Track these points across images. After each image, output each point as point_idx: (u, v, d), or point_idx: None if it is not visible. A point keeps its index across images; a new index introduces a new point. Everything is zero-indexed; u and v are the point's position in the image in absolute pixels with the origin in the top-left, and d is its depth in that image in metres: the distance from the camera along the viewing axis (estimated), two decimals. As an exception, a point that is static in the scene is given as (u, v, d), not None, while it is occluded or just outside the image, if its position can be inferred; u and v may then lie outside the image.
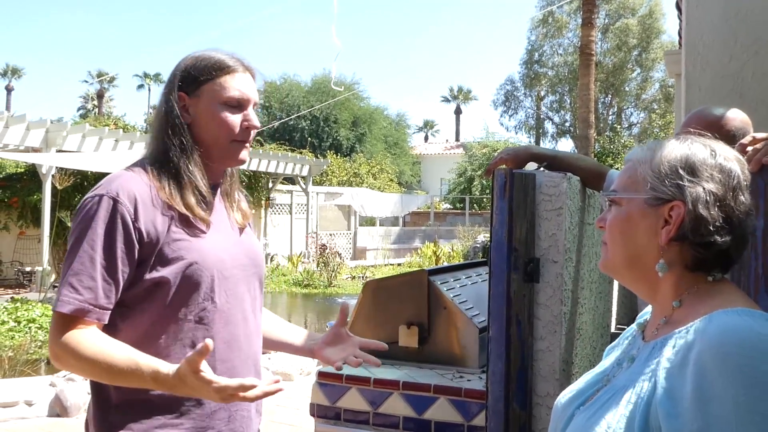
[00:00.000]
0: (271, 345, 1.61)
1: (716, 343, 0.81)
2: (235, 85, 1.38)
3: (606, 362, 1.07)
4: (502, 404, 1.64)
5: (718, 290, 0.93)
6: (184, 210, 1.31)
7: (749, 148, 1.32)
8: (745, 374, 0.78)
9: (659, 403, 0.83)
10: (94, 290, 1.24)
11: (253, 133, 1.42)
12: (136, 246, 1.27)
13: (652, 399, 0.85)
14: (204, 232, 1.33)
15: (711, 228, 0.90)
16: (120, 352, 1.22)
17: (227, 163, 1.43)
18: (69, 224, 11.99)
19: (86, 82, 48.34)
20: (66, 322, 1.23)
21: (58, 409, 4.77)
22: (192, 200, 1.34)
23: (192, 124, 1.37)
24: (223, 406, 1.35)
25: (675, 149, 0.95)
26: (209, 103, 1.37)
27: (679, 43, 4.78)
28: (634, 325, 1.08)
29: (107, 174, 1.37)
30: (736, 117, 1.62)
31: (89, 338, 1.23)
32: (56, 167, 11.27)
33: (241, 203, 1.51)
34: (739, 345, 0.80)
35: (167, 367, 1.20)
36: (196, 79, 1.37)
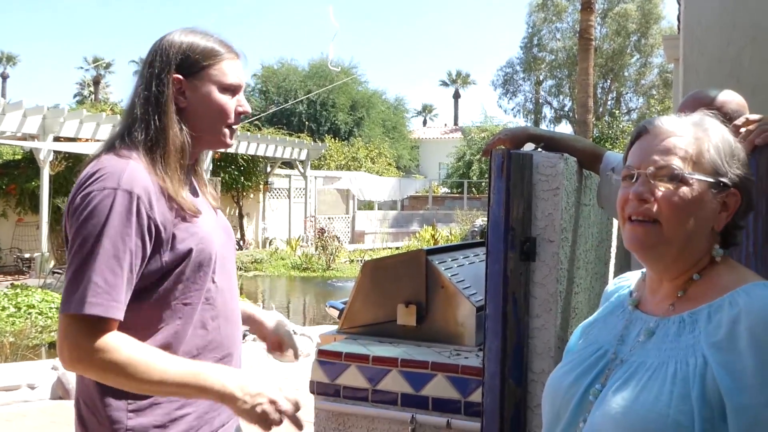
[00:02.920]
0: None
1: (765, 315, 0.85)
2: (234, 70, 1.39)
3: (594, 338, 1.07)
4: (498, 380, 1.67)
5: (729, 265, 0.97)
6: (180, 199, 1.29)
7: (742, 129, 1.35)
8: None
9: (719, 379, 0.85)
10: (119, 289, 1.19)
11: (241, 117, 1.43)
12: (152, 239, 1.25)
13: (704, 375, 0.86)
14: (196, 217, 1.33)
15: (746, 213, 0.97)
16: (175, 357, 1.23)
17: (215, 146, 1.43)
18: (67, 210, 12.02)
19: (82, 68, 47.88)
20: (95, 323, 1.17)
21: (61, 391, 4.82)
22: (184, 188, 1.34)
23: (185, 108, 1.35)
24: None
25: (723, 131, 0.98)
26: (210, 88, 1.36)
27: (678, 28, 4.78)
28: (613, 299, 1.10)
29: None
30: (733, 99, 1.63)
31: (132, 342, 1.19)
32: (53, 154, 11.25)
33: (208, 185, 1.52)
34: None
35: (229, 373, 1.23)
36: (196, 62, 1.35)
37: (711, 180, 0.94)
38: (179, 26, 1.40)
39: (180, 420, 1.30)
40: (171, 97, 1.32)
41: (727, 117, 1.57)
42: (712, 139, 0.96)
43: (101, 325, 1.17)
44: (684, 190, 0.94)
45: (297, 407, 1.24)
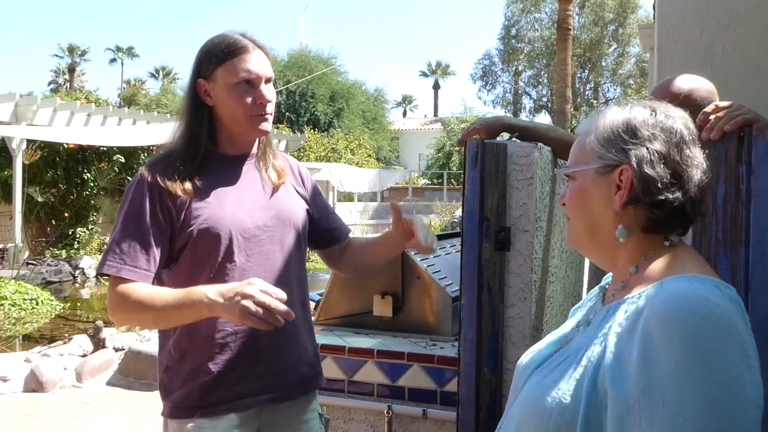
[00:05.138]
0: (367, 268, 1.86)
1: (662, 309, 0.83)
2: (245, 65, 1.49)
3: (568, 324, 1.09)
4: (473, 370, 1.68)
5: (673, 255, 0.94)
6: (186, 188, 1.47)
7: (712, 117, 1.35)
8: (687, 340, 0.79)
9: (607, 367, 0.85)
10: (133, 255, 1.44)
11: (269, 106, 1.54)
12: (167, 218, 1.46)
13: (601, 362, 0.86)
14: (216, 200, 1.49)
15: (659, 186, 0.91)
16: (170, 289, 1.44)
17: (251, 135, 1.56)
18: (39, 200, 11.82)
19: (57, 56, 47.10)
20: (115, 281, 1.44)
21: (34, 384, 4.75)
22: (203, 178, 1.50)
23: (214, 106, 1.52)
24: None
25: (616, 115, 0.97)
26: (223, 86, 1.49)
27: (654, 17, 4.80)
28: (596, 288, 1.11)
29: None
30: (702, 86, 1.64)
31: (138, 285, 1.44)
32: (26, 143, 11.02)
33: (275, 163, 1.63)
34: (683, 311, 0.81)
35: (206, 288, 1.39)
36: (210, 63, 1.50)
37: (591, 167, 0.97)
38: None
39: (198, 384, 1.48)
40: (196, 100, 1.52)
41: (696, 104, 1.58)
42: (599, 124, 0.98)
43: (118, 282, 1.43)
44: (571, 184, 1.02)
45: (274, 296, 1.31)
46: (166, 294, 1.42)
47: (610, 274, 1.10)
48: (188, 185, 1.48)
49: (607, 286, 1.07)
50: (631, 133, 0.94)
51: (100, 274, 1.46)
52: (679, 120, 0.96)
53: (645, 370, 0.80)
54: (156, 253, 1.46)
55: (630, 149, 0.93)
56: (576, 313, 1.12)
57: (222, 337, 1.48)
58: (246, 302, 1.29)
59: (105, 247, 1.48)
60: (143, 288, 1.44)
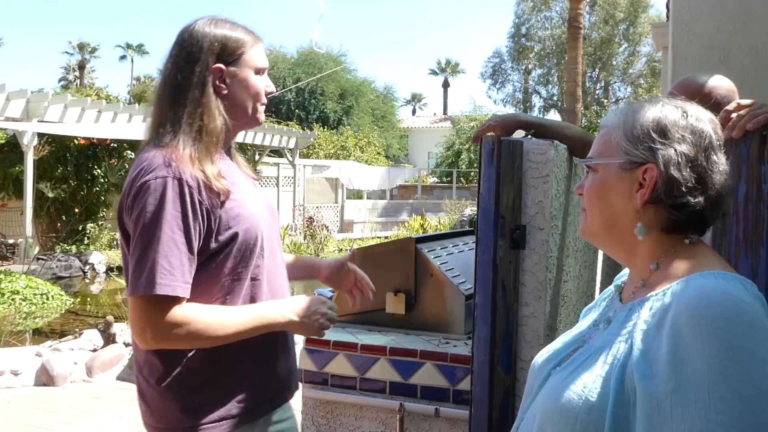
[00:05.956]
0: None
1: (692, 306, 0.82)
2: (261, 54, 1.50)
3: (583, 324, 1.08)
4: (487, 369, 1.66)
5: (694, 253, 0.94)
6: (218, 185, 1.36)
7: (733, 115, 1.33)
8: (719, 337, 0.79)
9: (635, 365, 0.84)
10: (182, 269, 1.28)
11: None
12: (205, 223, 1.34)
13: (628, 360, 0.86)
14: (240, 197, 1.42)
15: (683, 189, 0.91)
16: (238, 309, 1.38)
17: (253, 124, 1.54)
18: (50, 195, 11.91)
19: (67, 53, 47.34)
20: (168, 302, 1.28)
21: (44, 378, 4.78)
22: (230, 172, 1.44)
23: (227, 95, 1.44)
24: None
25: (647, 112, 0.96)
26: (247, 73, 1.46)
27: (667, 16, 4.77)
28: (611, 287, 1.10)
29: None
30: (722, 84, 1.62)
31: (202, 308, 1.32)
32: (37, 139, 11.08)
33: (244, 162, 1.63)
34: (713, 308, 0.81)
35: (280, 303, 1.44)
36: (234, 51, 1.44)
37: (615, 161, 0.95)
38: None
39: (234, 395, 1.41)
40: (211, 86, 1.41)
41: (716, 102, 1.56)
42: (629, 120, 0.96)
43: (173, 303, 1.28)
44: (592, 176, 1.00)
45: (335, 310, 1.50)
46: (237, 317, 1.35)
47: (623, 273, 1.09)
48: (223, 182, 1.37)
49: (622, 284, 1.06)
50: (661, 132, 0.93)
51: (148, 295, 1.25)
52: (710, 124, 0.95)
53: (675, 366, 0.80)
54: (195, 262, 1.33)
55: (658, 149, 0.92)
56: (590, 313, 1.11)
57: (247, 346, 1.42)
58: (323, 321, 1.46)
59: (141, 261, 1.27)
60: (210, 312, 1.32)
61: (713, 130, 0.94)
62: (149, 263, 1.26)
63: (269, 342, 1.47)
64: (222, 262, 1.36)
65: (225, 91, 1.44)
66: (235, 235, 1.37)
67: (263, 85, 1.50)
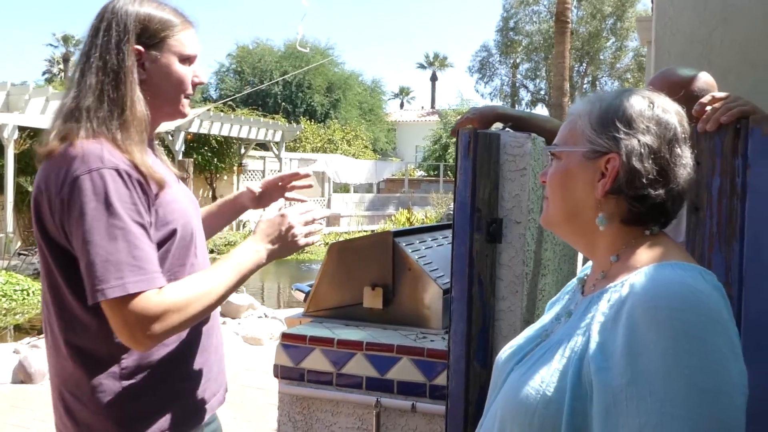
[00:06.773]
0: (217, 227, 1.73)
1: (647, 297, 0.81)
2: (190, 40, 1.37)
3: (546, 317, 1.06)
4: (463, 363, 1.65)
5: (654, 244, 0.92)
6: (153, 173, 1.24)
7: (708, 108, 1.32)
8: (675, 328, 0.77)
9: (591, 357, 0.83)
10: (147, 259, 1.17)
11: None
12: (150, 213, 1.23)
13: (585, 353, 0.84)
14: (172, 191, 1.30)
15: (644, 181, 0.89)
16: (215, 270, 1.27)
17: (173, 117, 1.40)
18: (30, 189, 11.74)
19: (51, 45, 46.70)
20: (147, 298, 1.16)
21: (22, 375, 4.72)
22: (157, 165, 1.32)
23: (145, 80, 1.30)
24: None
25: (614, 101, 0.94)
26: (169, 59, 1.33)
27: (652, 10, 4.77)
28: (574, 280, 1.08)
29: None
30: (700, 78, 1.61)
31: (182, 285, 1.21)
32: (18, 133, 10.93)
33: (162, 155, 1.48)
34: (670, 298, 0.79)
35: (249, 241, 1.34)
36: (156, 33, 1.31)
37: (579, 149, 0.94)
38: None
39: (173, 403, 1.31)
40: (131, 69, 1.27)
41: (694, 95, 1.55)
42: (594, 108, 0.95)
43: (152, 295, 1.16)
44: (556, 164, 0.98)
45: (313, 213, 1.40)
46: (220, 278, 1.25)
47: (587, 266, 1.08)
48: (157, 174, 1.25)
49: (585, 277, 1.04)
50: (626, 122, 0.91)
51: (122, 296, 1.13)
52: (676, 116, 0.93)
53: (631, 359, 0.78)
54: (156, 250, 1.22)
55: (621, 138, 0.90)
56: (554, 307, 1.10)
57: (180, 350, 1.32)
58: (300, 231, 1.37)
59: (103, 261, 1.14)
60: (191, 285, 1.22)
61: (679, 123, 0.92)
62: (113, 261, 1.14)
63: (200, 343, 1.37)
64: (161, 261, 1.23)
65: (143, 76, 1.30)
66: (173, 232, 1.27)
67: (190, 74, 1.36)
